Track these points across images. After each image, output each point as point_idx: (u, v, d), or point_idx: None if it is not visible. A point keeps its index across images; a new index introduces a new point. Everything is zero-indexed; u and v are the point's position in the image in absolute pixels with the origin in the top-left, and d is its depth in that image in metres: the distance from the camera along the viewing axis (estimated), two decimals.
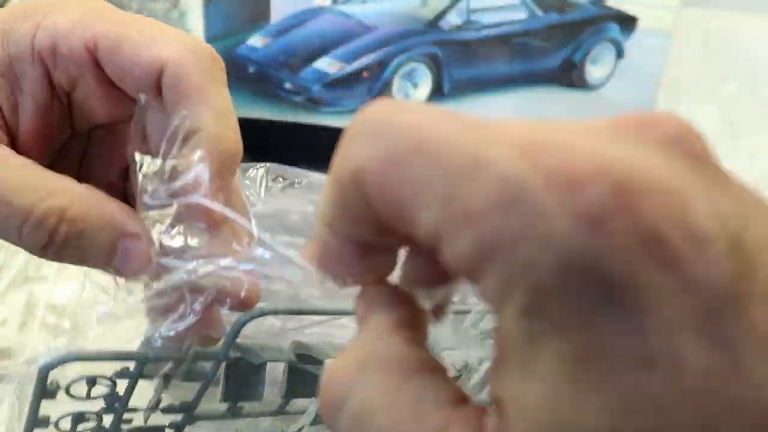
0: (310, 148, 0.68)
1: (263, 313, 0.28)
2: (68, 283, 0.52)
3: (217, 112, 0.29)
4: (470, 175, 0.17)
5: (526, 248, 0.16)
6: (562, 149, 0.17)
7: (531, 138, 0.17)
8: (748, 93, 0.79)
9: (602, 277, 0.16)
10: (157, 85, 0.29)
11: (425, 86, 0.70)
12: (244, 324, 0.30)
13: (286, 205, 0.65)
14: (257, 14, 0.68)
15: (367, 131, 0.19)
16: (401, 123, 0.18)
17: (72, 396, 0.32)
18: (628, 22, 0.67)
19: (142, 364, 0.31)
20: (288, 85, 0.70)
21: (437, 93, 0.70)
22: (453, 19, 0.68)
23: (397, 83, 0.69)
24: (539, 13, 0.67)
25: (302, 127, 0.67)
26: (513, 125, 0.18)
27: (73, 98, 0.31)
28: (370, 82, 0.69)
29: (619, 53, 0.68)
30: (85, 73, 0.30)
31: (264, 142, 0.66)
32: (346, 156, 0.19)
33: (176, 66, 0.28)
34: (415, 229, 0.18)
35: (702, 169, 0.18)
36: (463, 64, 0.69)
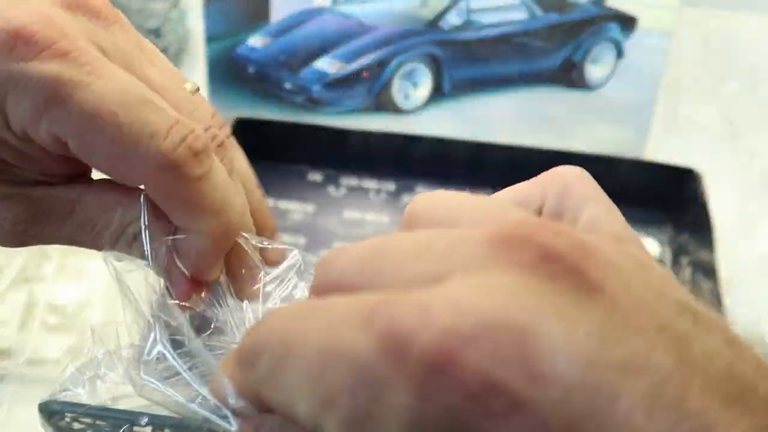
0: (310, 148, 0.68)
1: None
2: (68, 283, 0.52)
3: (251, 196, 0.30)
4: (326, 365, 0.17)
5: (374, 423, 0.16)
6: (393, 306, 0.16)
7: (371, 304, 0.17)
8: (748, 93, 0.79)
9: None
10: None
11: (425, 86, 0.70)
12: None
13: (287, 205, 0.65)
14: (257, 14, 0.69)
15: (251, 352, 0.20)
16: (276, 336, 0.19)
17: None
18: (628, 22, 0.67)
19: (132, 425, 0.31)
20: (288, 85, 0.70)
21: (437, 93, 0.70)
22: (453, 19, 0.68)
23: (397, 83, 0.69)
24: (539, 13, 0.67)
25: (302, 127, 0.67)
26: (356, 303, 0.17)
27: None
28: (370, 82, 0.69)
29: (619, 53, 0.68)
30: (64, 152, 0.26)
31: (264, 142, 0.66)
32: (242, 377, 0.20)
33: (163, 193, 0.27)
34: (299, 421, 0.18)
35: (565, 290, 0.16)
36: (463, 64, 0.69)
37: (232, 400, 0.21)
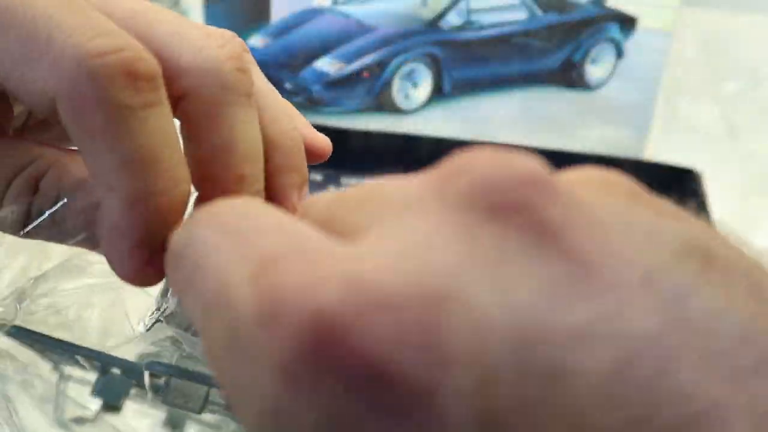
0: None
1: None
2: (69, 284, 0.52)
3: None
4: (212, 308, 0.14)
5: (241, 398, 0.13)
6: (284, 262, 0.13)
7: (267, 252, 0.13)
8: (748, 93, 0.79)
9: None
10: None
11: (425, 86, 0.70)
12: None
13: None
14: (257, 14, 0.68)
15: (177, 255, 0.17)
16: (194, 246, 0.16)
17: None
18: (628, 22, 0.67)
19: None
20: (288, 86, 0.70)
21: (437, 93, 0.70)
22: (453, 19, 0.68)
23: (397, 83, 0.69)
24: (539, 13, 0.67)
25: None
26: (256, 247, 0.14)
27: None
28: (370, 82, 0.69)
29: (619, 53, 0.68)
30: None
31: None
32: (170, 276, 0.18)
33: None
34: None
35: (509, 233, 0.12)
36: (463, 64, 0.69)
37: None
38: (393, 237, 0.13)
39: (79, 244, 0.22)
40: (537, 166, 0.13)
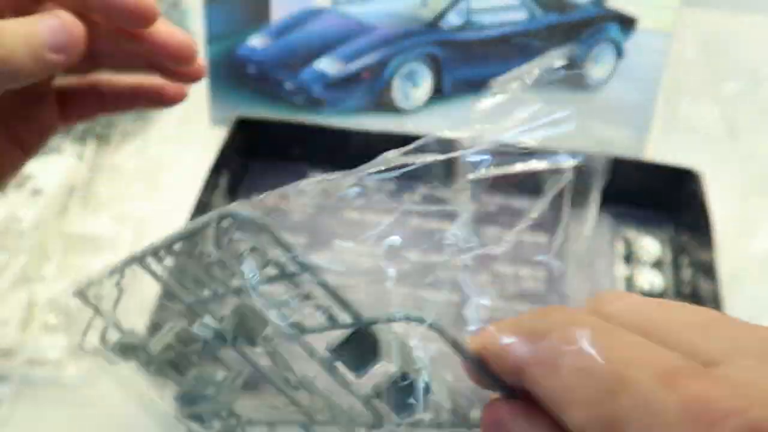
0: (310, 147, 0.68)
1: None
2: (69, 284, 0.52)
3: None
4: (615, 390, 0.19)
5: None
6: (701, 380, 0.18)
7: (673, 366, 0.19)
8: (748, 93, 0.79)
9: None
10: None
11: (425, 86, 0.70)
12: None
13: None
14: (257, 14, 0.69)
15: (541, 329, 0.21)
16: (574, 328, 0.20)
17: None
18: (628, 22, 0.67)
19: None
20: (288, 86, 0.70)
21: (437, 93, 0.70)
22: (453, 19, 0.68)
23: (397, 83, 0.69)
24: (539, 13, 0.67)
25: (302, 127, 0.67)
26: (654, 352, 0.19)
27: None
28: (370, 82, 0.69)
29: (619, 53, 0.68)
30: None
31: (264, 142, 0.66)
32: (519, 348, 0.21)
33: None
34: (563, 418, 0.20)
35: None
36: (463, 64, 0.69)
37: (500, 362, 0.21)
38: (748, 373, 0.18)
39: None
40: None
